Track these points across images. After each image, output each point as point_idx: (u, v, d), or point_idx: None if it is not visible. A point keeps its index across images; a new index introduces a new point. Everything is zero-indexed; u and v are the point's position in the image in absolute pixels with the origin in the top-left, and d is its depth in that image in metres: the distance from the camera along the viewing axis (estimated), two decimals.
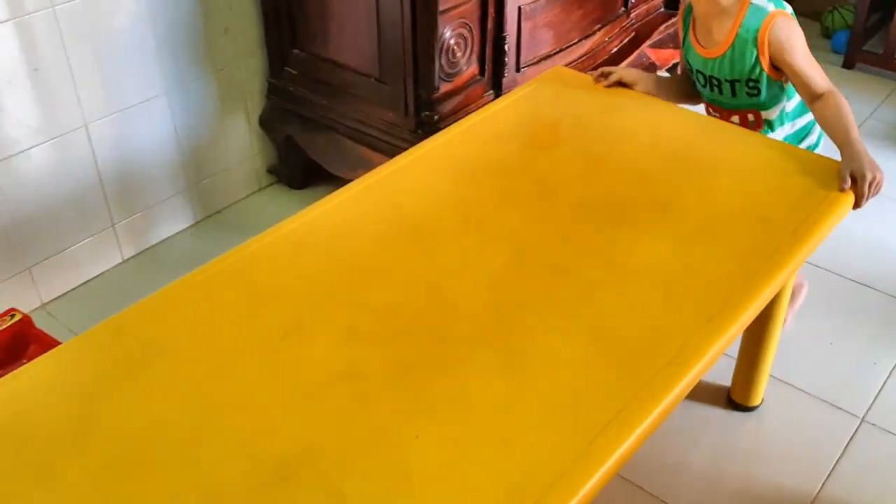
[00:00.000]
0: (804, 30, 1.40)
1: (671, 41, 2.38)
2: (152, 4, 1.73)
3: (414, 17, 1.64)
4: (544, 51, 1.95)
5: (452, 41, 1.73)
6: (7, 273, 1.71)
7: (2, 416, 0.88)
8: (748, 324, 1.08)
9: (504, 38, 1.82)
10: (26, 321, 1.52)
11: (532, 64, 1.93)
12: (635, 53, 2.21)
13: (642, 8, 2.31)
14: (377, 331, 1.00)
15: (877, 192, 1.26)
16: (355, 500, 0.81)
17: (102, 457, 0.84)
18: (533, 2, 1.85)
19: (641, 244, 1.15)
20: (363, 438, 0.87)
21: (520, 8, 1.83)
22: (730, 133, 1.44)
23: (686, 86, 1.56)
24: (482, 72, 1.85)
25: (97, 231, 1.84)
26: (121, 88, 1.75)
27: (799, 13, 1.44)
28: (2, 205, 1.64)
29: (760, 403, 1.58)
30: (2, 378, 0.94)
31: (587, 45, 2.07)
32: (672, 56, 2.40)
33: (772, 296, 1.10)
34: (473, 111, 1.84)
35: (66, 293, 1.83)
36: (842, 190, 1.25)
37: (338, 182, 1.52)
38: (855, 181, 1.25)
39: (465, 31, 1.76)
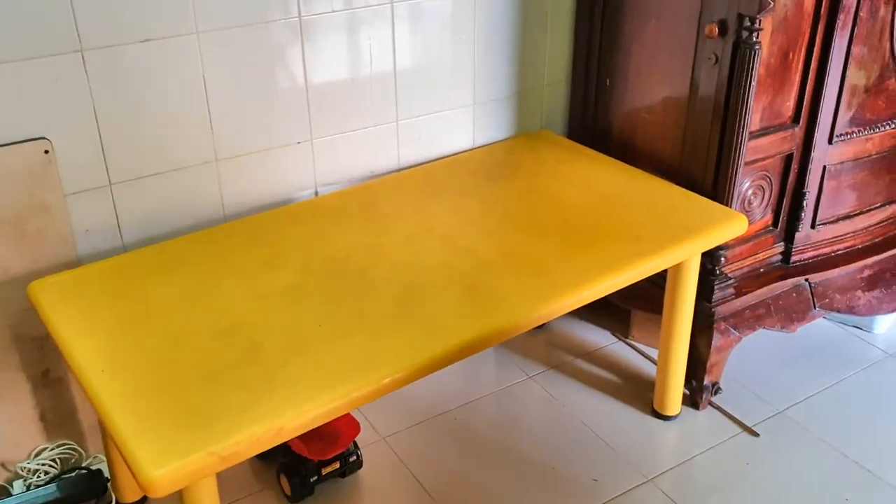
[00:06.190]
0: None
1: None
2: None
3: (718, 162, 1.70)
4: (844, 211, 1.93)
5: (750, 191, 1.78)
6: None
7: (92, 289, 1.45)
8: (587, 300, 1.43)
9: (804, 195, 1.83)
10: None
11: (829, 222, 1.91)
12: None
13: None
14: (325, 268, 1.47)
15: None
16: (268, 351, 1.25)
17: (129, 309, 1.37)
18: (840, 163, 1.85)
19: (535, 244, 1.55)
20: (285, 322, 1.33)
21: (825, 167, 1.84)
22: (650, 182, 1.78)
23: None
24: (776, 223, 1.87)
25: None
26: None
27: None
28: None
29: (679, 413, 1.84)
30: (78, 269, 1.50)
31: (889, 210, 2.01)
32: None
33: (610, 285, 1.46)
34: (762, 260, 1.87)
35: None
36: None
37: None
38: None
39: (764, 183, 1.80)
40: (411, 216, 1.66)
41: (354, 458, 1.68)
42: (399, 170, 1.88)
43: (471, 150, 1.98)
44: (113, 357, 1.25)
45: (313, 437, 1.60)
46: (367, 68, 1.76)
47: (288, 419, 1.13)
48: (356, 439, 1.68)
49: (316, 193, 1.79)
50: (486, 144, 2.00)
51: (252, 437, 1.10)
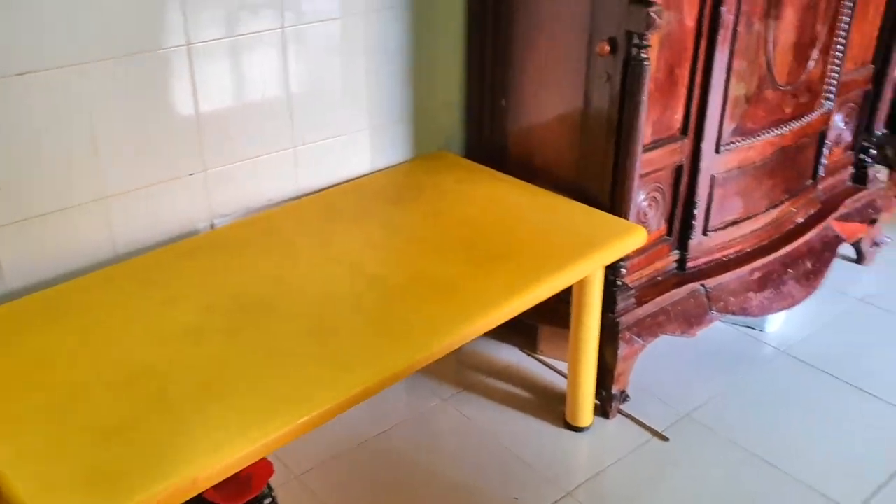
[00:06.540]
0: None
1: (857, 215, 2.38)
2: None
3: (614, 176, 1.74)
4: (732, 217, 2.01)
5: (646, 203, 1.83)
6: None
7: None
8: (495, 322, 1.43)
9: (695, 203, 1.90)
10: None
11: (720, 228, 1.99)
12: (821, 225, 2.23)
13: (830, 181, 2.34)
14: (228, 304, 1.42)
15: None
16: (174, 398, 1.19)
17: (19, 361, 1.29)
18: (726, 171, 1.93)
19: (442, 267, 1.53)
20: (190, 365, 1.26)
21: (713, 176, 1.91)
22: (550, 200, 1.80)
23: None
24: (670, 232, 1.93)
25: None
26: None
27: None
28: None
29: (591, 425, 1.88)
30: None
31: (773, 214, 2.11)
32: (859, 230, 2.39)
33: (523, 303, 1.47)
34: (659, 268, 1.93)
35: None
36: None
37: None
38: None
39: (658, 194, 1.85)
40: (315, 244, 1.62)
41: (269, 500, 1.61)
42: (298, 197, 1.84)
43: (370, 174, 1.95)
44: (3, 416, 1.16)
45: (223, 481, 1.53)
46: (259, 95, 1.71)
47: (201, 469, 1.08)
48: (269, 480, 1.61)
49: (212, 226, 1.73)
50: (385, 168, 1.98)
51: (164, 491, 1.04)
